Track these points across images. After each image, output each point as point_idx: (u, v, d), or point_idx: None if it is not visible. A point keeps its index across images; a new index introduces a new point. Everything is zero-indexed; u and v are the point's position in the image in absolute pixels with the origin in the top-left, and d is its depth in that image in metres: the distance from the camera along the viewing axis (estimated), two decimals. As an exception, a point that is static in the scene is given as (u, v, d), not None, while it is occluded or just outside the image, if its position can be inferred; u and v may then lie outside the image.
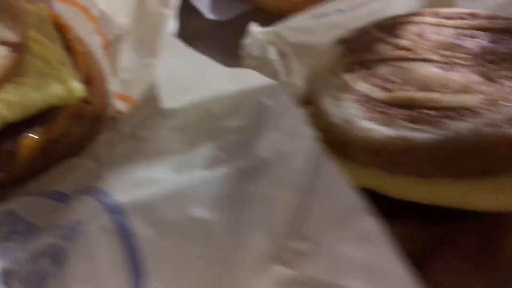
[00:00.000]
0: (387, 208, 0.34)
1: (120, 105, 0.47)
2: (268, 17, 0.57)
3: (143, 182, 0.31)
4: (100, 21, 0.45)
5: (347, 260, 0.27)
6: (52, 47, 0.41)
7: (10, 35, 0.38)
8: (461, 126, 0.31)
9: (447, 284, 0.33)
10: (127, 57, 0.42)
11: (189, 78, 0.36)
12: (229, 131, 0.32)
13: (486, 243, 0.34)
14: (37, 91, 0.38)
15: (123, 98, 0.46)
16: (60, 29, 0.43)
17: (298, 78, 0.47)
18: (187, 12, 0.54)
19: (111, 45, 0.45)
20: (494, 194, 0.31)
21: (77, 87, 0.39)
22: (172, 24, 0.39)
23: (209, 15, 0.52)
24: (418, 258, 0.29)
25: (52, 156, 0.40)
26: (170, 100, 0.36)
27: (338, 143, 0.35)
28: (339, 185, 0.28)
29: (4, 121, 0.37)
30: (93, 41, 0.47)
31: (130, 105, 0.46)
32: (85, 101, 0.42)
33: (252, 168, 0.28)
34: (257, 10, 0.55)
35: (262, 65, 0.47)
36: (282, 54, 0.47)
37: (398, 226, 0.33)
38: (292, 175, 0.28)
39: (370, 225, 0.27)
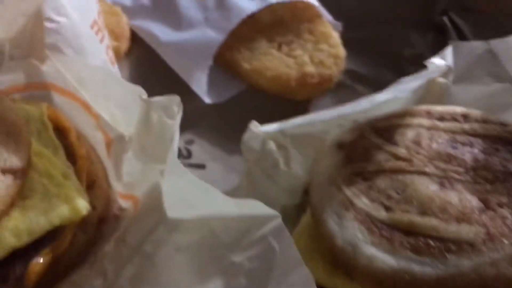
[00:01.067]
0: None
1: (123, 203, 0.47)
2: (262, 96, 0.58)
3: None
4: (101, 118, 0.45)
5: None
6: (54, 160, 0.41)
7: (13, 160, 0.38)
8: (462, 263, 0.32)
9: None
10: (129, 163, 0.42)
11: (193, 196, 0.37)
12: (237, 269, 0.32)
13: None
14: (42, 214, 0.37)
15: (127, 197, 0.46)
16: (61, 131, 0.43)
17: (298, 167, 0.48)
18: (185, 93, 0.55)
19: (113, 144, 0.45)
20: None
21: (82, 206, 0.39)
22: (177, 136, 0.40)
23: (207, 99, 0.52)
24: None
25: (59, 270, 0.40)
26: (174, 211, 0.37)
27: (343, 265, 0.36)
28: None
29: (11, 248, 0.37)
30: (95, 138, 0.46)
31: (133, 204, 0.46)
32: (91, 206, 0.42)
33: None
34: (250, 90, 0.55)
35: (261, 157, 0.48)
36: (280, 146, 0.48)
37: None
38: None
39: None
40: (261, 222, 0.33)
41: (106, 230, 0.44)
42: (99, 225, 0.43)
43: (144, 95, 0.39)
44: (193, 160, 0.50)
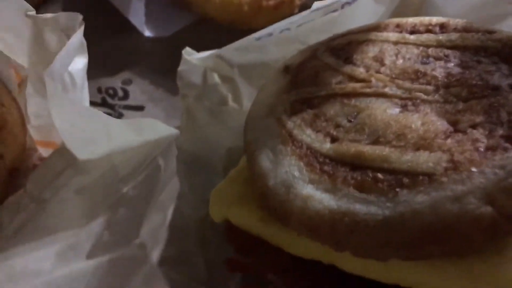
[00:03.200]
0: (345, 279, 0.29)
1: (44, 152, 0.41)
2: (214, 29, 0.50)
3: (22, 274, 0.29)
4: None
5: None
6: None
7: None
8: (418, 199, 0.25)
9: None
10: (33, 102, 0.36)
11: (92, 130, 0.32)
12: (122, 200, 0.30)
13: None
14: None
15: (46, 144, 0.41)
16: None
17: (249, 103, 0.41)
18: (127, 28, 0.47)
19: (23, 84, 0.39)
20: (460, 278, 0.25)
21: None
22: (82, 61, 0.33)
23: (147, 32, 0.45)
24: None
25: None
26: (81, 153, 0.33)
27: (278, 211, 0.29)
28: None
29: None
30: (9, 78, 0.40)
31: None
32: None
33: (128, 260, 0.27)
34: (201, 22, 0.48)
35: (204, 93, 0.41)
36: (226, 79, 0.41)
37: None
38: None
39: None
40: (158, 145, 0.30)
41: (22, 183, 0.38)
42: (12, 175, 0.38)
43: (31, 11, 0.32)
44: (130, 101, 0.44)
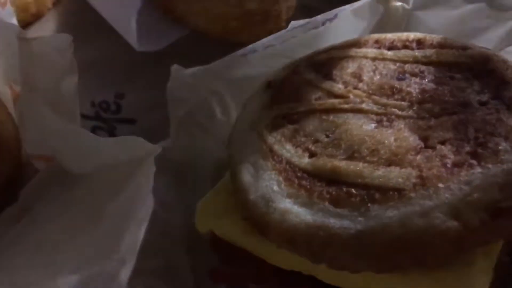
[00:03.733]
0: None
1: (39, 165, 0.43)
2: (206, 41, 0.51)
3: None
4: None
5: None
6: None
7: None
8: (388, 214, 0.26)
9: None
10: (27, 117, 0.37)
11: (83, 147, 0.33)
12: (107, 217, 0.30)
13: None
14: None
15: (40, 158, 0.42)
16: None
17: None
18: (118, 42, 0.49)
19: (17, 99, 0.40)
20: (431, 288, 0.26)
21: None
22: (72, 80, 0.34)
23: (138, 46, 0.46)
24: None
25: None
26: (73, 166, 0.35)
27: (258, 223, 0.30)
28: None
29: None
30: (5, 94, 0.42)
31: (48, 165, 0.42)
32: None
33: (108, 275, 0.27)
34: (193, 35, 0.49)
35: (193, 108, 0.42)
36: (214, 92, 0.42)
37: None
38: None
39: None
40: (139, 162, 0.31)
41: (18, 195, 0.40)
42: (7, 190, 0.39)
43: (23, 34, 0.33)
44: (122, 115, 0.45)
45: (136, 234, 0.26)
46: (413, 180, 0.27)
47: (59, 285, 0.27)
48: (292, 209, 0.29)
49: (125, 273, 0.26)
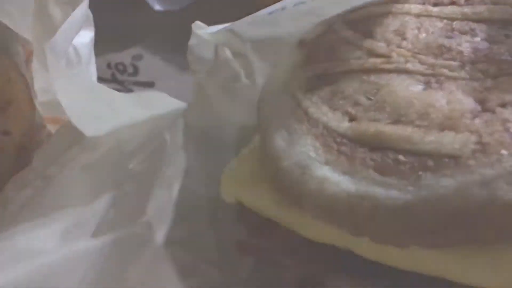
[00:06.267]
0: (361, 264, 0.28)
1: (52, 128, 0.40)
2: (227, 3, 0.48)
3: (25, 254, 0.28)
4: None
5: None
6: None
7: None
8: (443, 183, 0.23)
9: None
10: (40, 77, 0.35)
11: (97, 105, 0.31)
12: (127, 176, 0.29)
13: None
14: None
15: (54, 120, 0.40)
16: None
17: (263, 79, 0.40)
18: (136, 1, 0.46)
19: (29, 58, 0.38)
20: (485, 267, 0.24)
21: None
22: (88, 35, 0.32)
23: (157, 6, 0.44)
24: None
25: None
26: (88, 128, 0.33)
27: (292, 193, 0.28)
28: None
29: None
30: (18, 54, 0.39)
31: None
32: (3, 131, 0.36)
33: (134, 239, 0.27)
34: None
35: (216, 69, 0.39)
36: (238, 54, 0.39)
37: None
38: None
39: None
40: (165, 119, 0.30)
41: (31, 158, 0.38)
42: (20, 153, 0.37)
43: None
44: (140, 78, 0.42)
45: (165, 194, 0.24)
46: (472, 146, 0.24)
47: (78, 250, 0.25)
48: (332, 177, 0.26)
49: (161, 236, 0.24)
